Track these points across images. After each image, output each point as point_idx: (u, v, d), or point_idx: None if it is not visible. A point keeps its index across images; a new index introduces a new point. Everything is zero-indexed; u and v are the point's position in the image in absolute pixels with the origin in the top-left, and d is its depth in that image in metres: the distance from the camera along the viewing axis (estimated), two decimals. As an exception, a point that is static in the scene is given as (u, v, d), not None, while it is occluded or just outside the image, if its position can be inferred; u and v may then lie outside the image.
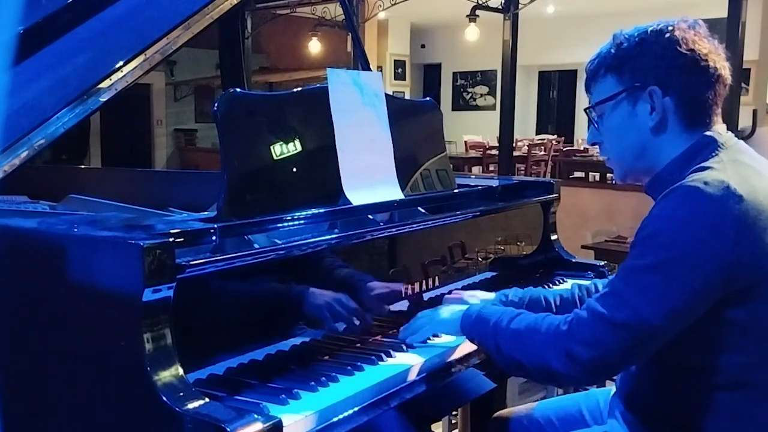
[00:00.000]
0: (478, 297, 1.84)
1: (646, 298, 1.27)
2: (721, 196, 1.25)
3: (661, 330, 1.28)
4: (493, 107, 12.94)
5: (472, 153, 10.46)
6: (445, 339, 1.69)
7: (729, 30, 4.42)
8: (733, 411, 1.33)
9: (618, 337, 1.29)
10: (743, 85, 8.03)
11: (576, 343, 1.32)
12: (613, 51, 1.43)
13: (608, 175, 8.25)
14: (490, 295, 1.85)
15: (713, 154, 1.35)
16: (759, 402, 1.33)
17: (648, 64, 1.39)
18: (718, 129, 1.40)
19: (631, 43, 1.41)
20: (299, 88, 1.79)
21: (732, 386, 1.33)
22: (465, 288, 2.03)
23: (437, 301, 1.84)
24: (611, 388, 1.65)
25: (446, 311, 1.64)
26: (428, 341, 1.67)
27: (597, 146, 1.53)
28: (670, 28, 1.39)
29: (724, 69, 1.39)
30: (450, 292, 1.93)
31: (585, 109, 1.52)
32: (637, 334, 1.28)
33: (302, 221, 1.59)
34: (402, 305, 1.81)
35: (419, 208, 1.94)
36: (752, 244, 1.24)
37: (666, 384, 1.41)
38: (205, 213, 1.58)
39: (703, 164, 1.33)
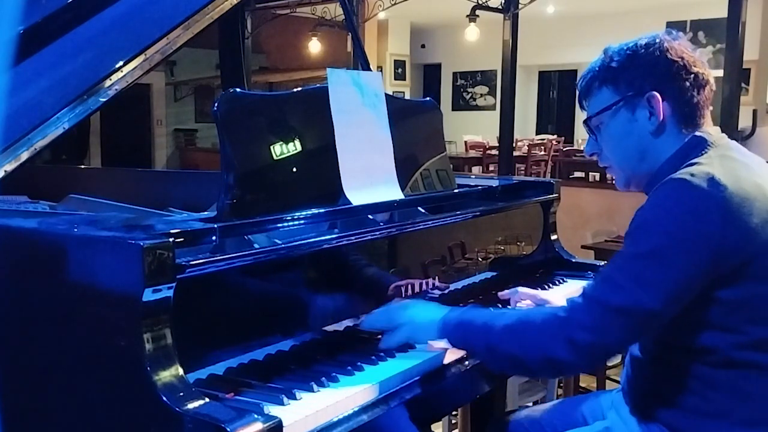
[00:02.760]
0: None
1: (642, 283, 1.33)
2: (706, 186, 1.33)
3: (657, 313, 1.35)
4: (493, 107, 12.94)
5: (472, 153, 10.46)
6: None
7: (729, 30, 4.41)
8: (729, 390, 1.39)
9: (617, 322, 1.35)
10: (743, 85, 8.02)
11: (577, 329, 1.37)
12: (605, 64, 1.52)
13: (608, 175, 8.23)
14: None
15: (703, 151, 1.44)
16: (754, 380, 1.39)
17: (642, 72, 1.48)
18: (709, 130, 1.50)
19: (623, 56, 1.50)
20: (299, 88, 1.79)
21: (726, 365, 1.39)
22: (465, 287, 2.04)
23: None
24: (615, 388, 1.67)
25: (421, 315, 1.59)
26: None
27: (595, 156, 1.60)
28: (657, 40, 1.49)
29: (710, 75, 1.49)
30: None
31: (584, 121, 1.58)
32: (636, 317, 1.35)
33: (302, 221, 1.59)
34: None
35: (419, 208, 1.94)
36: (737, 228, 1.32)
37: (663, 367, 1.47)
38: (205, 213, 1.58)
39: (692, 161, 1.42)
